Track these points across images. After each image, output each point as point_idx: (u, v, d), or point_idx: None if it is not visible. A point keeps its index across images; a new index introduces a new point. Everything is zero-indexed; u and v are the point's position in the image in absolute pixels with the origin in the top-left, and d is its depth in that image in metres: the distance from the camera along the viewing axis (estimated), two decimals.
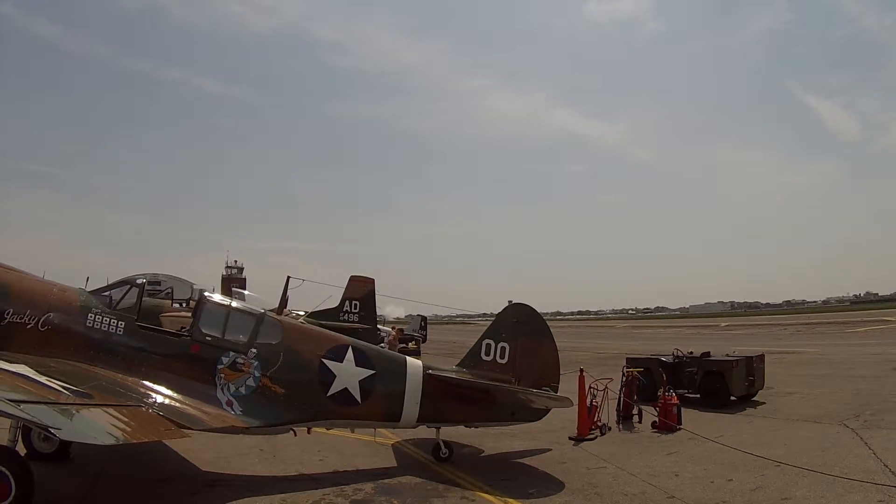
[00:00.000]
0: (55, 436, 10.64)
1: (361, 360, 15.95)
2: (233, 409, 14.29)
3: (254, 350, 14.99)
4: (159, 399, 13.30)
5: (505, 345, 17.60)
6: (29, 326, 13.84)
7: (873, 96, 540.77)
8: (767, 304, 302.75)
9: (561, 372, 18.14)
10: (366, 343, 17.40)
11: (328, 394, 15.38)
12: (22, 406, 9.89)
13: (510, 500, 13.76)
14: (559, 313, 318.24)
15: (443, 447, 17.09)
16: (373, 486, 14.52)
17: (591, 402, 21.19)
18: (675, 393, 22.85)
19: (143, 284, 15.32)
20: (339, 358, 15.71)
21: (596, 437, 20.19)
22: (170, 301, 17.81)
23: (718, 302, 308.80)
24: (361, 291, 39.42)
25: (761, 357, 28.07)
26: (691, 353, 28.20)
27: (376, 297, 39.98)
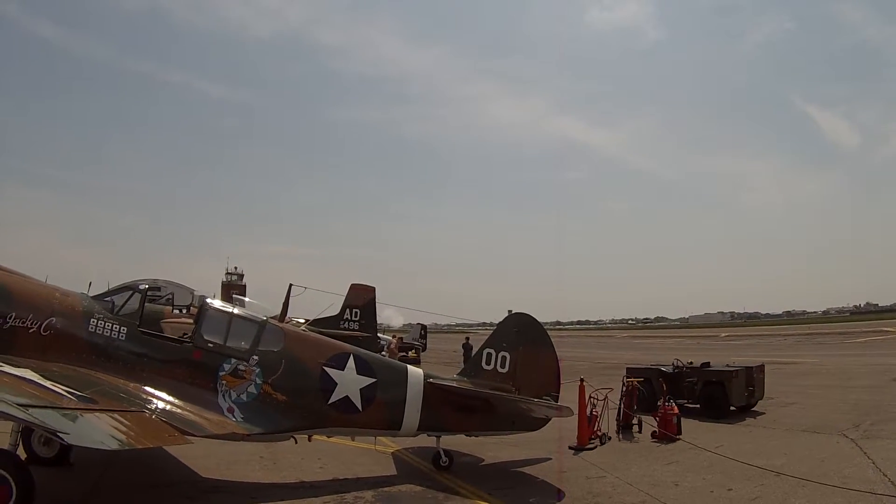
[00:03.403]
0: (63, 440, 10.62)
1: (363, 368, 15.97)
2: (234, 416, 14.32)
3: (255, 357, 15.01)
4: (161, 405, 13.31)
5: (506, 354, 17.63)
6: (31, 331, 13.83)
7: (874, 107, 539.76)
8: (767, 315, 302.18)
9: (561, 381, 18.18)
10: (367, 351, 17.46)
11: (329, 401, 15.40)
12: (29, 410, 9.94)
13: None
14: (559, 323, 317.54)
15: (443, 456, 17.08)
16: (373, 495, 14.53)
17: (592, 411, 21.23)
18: (675, 403, 22.84)
19: (146, 290, 15.34)
20: (341, 366, 15.74)
21: (596, 447, 20.20)
22: (170, 307, 17.81)
23: (718, 312, 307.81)
24: (362, 299, 39.52)
25: (761, 367, 28.08)
26: (691, 363, 28.26)
27: (376, 304, 40.04)
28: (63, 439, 10.43)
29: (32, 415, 9.87)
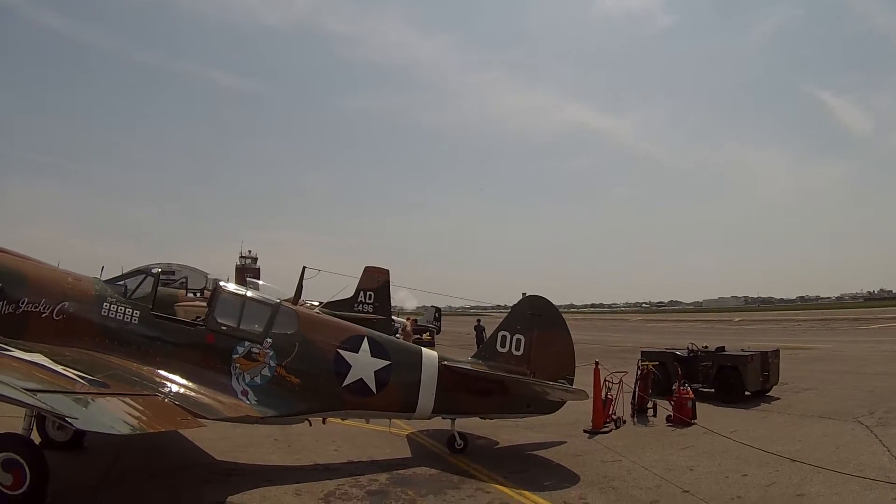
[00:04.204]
0: (72, 425, 10.59)
1: (377, 350, 15.92)
2: (248, 399, 14.28)
3: (269, 340, 14.96)
4: (174, 388, 13.23)
5: (520, 337, 17.59)
6: (44, 315, 13.84)
7: (886, 93, 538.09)
8: (781, 300, 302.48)
9: (576, 364, 18.11)
10: (381, 334, 17.38)
11: (343, 384, 15.36)
12: (38, 395, 9.84)
13: (525, 492, 13.72)
14: (572, 306, 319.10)
15: (458, 438, 17.11)
16: (387, 477, 14.55)
17: (607, 395, 21.19)
18: (690, 387, 22.78)
19: (159, 274, 15.30)
20: (355, 348, 15.69)
21: (611, 431, 20.17)
22: (184, 290, 17.81)
23: (732, 297, 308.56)
24: (376, 282, 39.42)
25: (776, 352, 27.95)
26: (706, 347, 28.15)
27: (390, 287, 39.97)
28: (72, 424, 10.38)
29: (41, 400, 9.77)
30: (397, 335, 35.79)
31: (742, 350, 27.82)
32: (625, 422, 21.34)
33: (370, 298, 39.10)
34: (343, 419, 16.68)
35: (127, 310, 14.47)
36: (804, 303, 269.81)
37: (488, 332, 18.78)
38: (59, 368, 11.48)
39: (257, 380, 14.61)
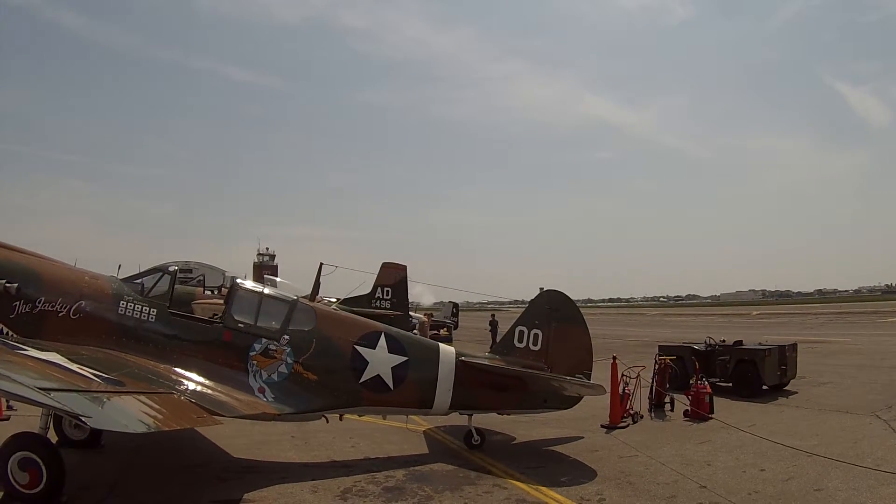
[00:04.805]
0: (86, 424, 10.63)
1: (394, 346, 15.92)
2: (265, 396, 14.31)
3: (286, 337, 14.99)
4: (191, 386, 13.25)
5: (538, 332, 17.55)
6: (61, 314, 13.94)
7: None
8: (799, 293, 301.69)
9: (593, 359, 18.08)
10: (399, 329, 17.39)
11: (360, 380, 15.37)
12: (52, 394, 9.83)
13: (542, 487, 13.68)
14: (590, 300, 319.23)
15: (474, 434, 17.06)
16: (404, 473, 14.52)
17: (624, 389, 21.12)
18: (708, 381, 22.69)
19: (176, 272, 15.31)
20: (372, 344, 15.69)
21: (628, 426, 20.11)
22: (201, 288, 17.82)
23: (749, 290, 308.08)
24: (393, 278, 39.44)
25: (794, 346, 27.83)
26: (724, 341, 28.09)
27: (408, 283, 39.96)
28: (87, 423, 10.42)
29: (56, 398, 9.77)
30: (415, 331, 35.79)
31: (760, 344, 27.71)
32: (642, 417, 21.30)
33: (388, 294, 39.12)
34: (360, 416, 16.69)
35: (144, 308, 14.54)
36: (822, 296, 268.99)
37: (503, 328, 18.71)
38: (74, 367, 11.50)
39: (274, 377, 14.64)
